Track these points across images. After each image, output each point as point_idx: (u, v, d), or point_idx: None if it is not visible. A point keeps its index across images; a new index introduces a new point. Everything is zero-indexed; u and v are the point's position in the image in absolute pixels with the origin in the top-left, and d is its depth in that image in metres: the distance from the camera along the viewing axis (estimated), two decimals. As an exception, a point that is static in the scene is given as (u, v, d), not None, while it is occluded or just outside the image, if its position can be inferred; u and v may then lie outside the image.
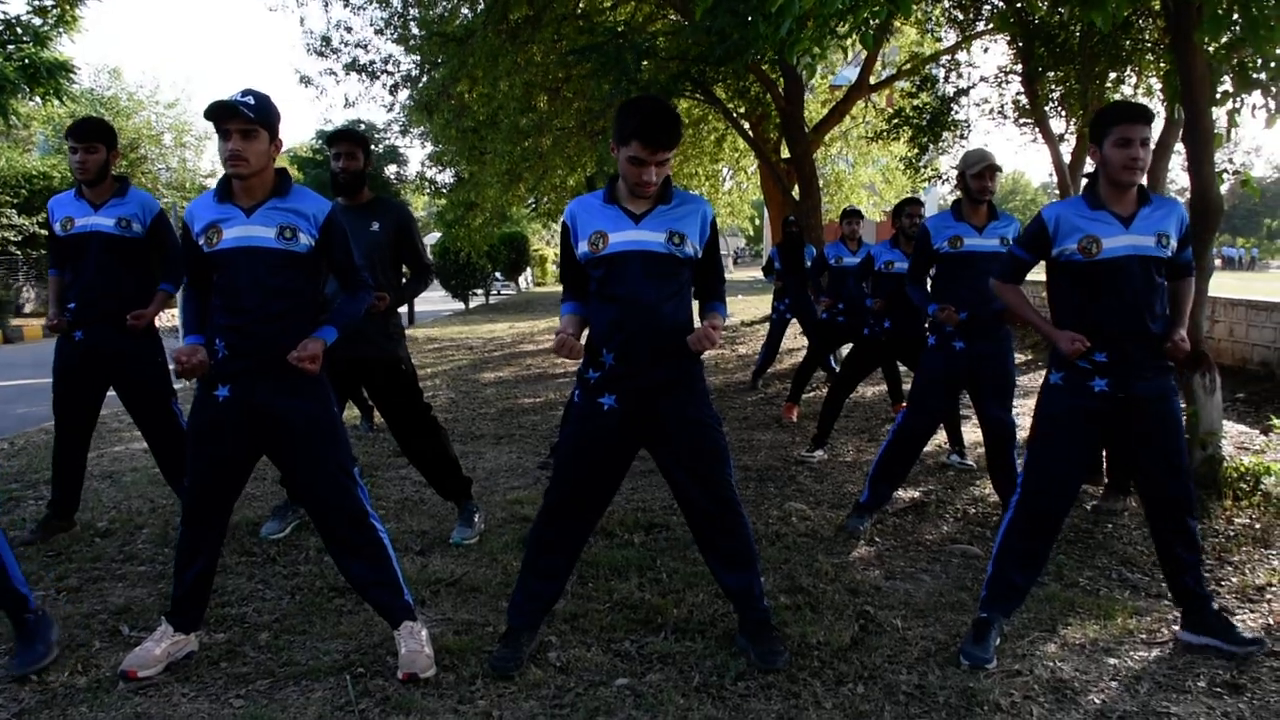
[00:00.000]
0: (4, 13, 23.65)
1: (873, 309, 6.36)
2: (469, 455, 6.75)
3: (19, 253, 27.47)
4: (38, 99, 24.59)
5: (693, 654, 3.32)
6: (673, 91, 8.94)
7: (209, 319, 3.20)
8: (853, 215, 7.93)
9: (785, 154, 13.20)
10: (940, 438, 6.59)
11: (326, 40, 13.39)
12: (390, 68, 13.48)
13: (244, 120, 2.98)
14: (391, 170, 39.74)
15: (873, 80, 13.53)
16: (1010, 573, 3.41)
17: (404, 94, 13.68)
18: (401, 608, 3.30)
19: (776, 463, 6.36)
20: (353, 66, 13.53)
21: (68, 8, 24.63)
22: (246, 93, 3.05)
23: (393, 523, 5.03)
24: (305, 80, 14.36)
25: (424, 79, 13.04)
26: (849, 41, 4.64)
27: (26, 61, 23.21)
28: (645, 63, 8.52)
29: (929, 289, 4.94)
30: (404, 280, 4.83)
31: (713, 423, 3.25)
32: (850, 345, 7.60)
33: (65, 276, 4.63)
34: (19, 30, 23.81)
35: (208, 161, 33.62)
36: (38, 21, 23.95)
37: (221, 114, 2.97)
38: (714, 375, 11.13)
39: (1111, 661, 3.28)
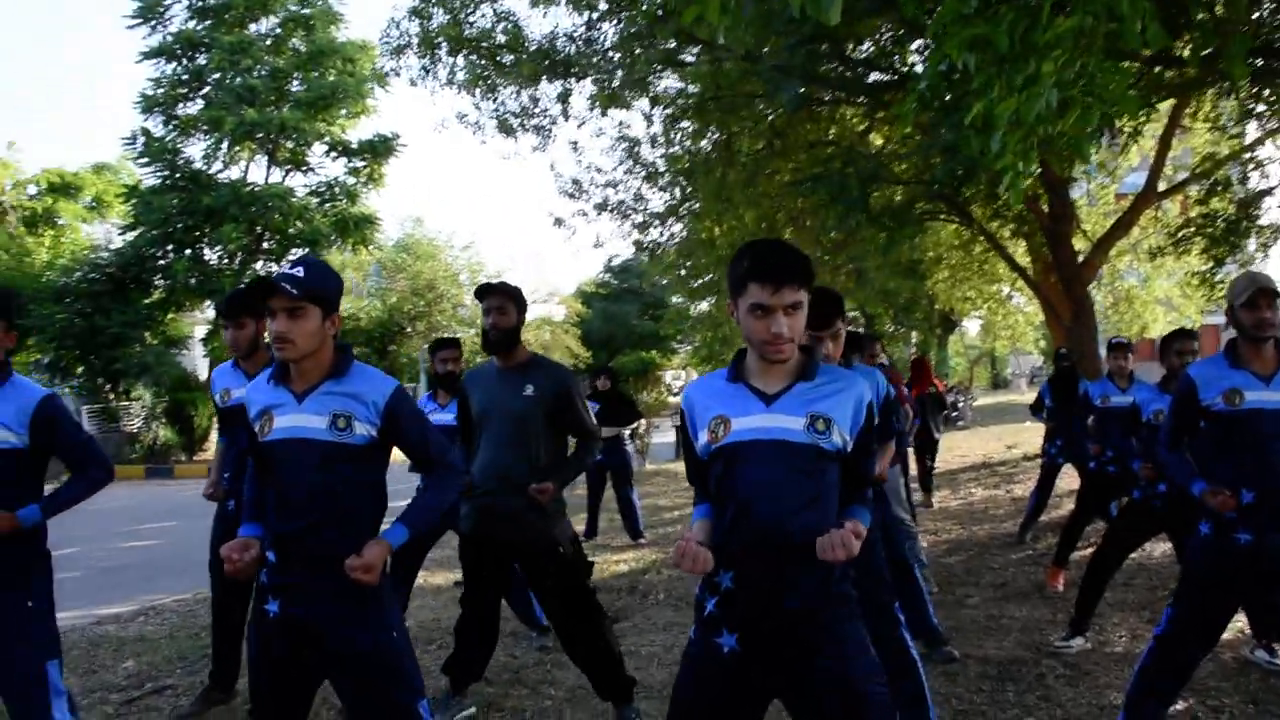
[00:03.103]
0: (324, 174, 26.64)
1: (1141, 472, 5.21)
2: (648, 629, 6.12)
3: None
4: (349, 249, 27.34)
5: None
6: (905, 219, 8.21)
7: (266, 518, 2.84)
8: (1120, 349, 6.76)
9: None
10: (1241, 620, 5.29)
11: (577, 183, 13.73)
12: (638, 205, 13.59)
13: (288, 298, 2.64)
14: (677, 299, 40.82)
15: (1161, 186, 12.09)
16: None
17: (654, 231, 13.73)
18: None
19: (1025, 653, 5.27)
20: (603, 206, 13.75)
21: (376, 167, 27.40)
22: (297, 263, 2.72)
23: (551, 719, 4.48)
24: (558, 221, 14.79)
25: (671, 217, 13.03)
26: (1061, 153, 3.81)
27: (338, 216, 25.89)
28: (878, 188, 7.90)
29: (1191, 457, 3.86)
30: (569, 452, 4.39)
31: (863, 675, 2.43)
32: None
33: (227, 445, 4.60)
34: (335, 190, 26.69)
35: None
36: (351, 181, 26.76)
37: (262, 293, 2.64)
38: (981, 523, 9.92)
39: None
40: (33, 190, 33.83)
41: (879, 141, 11.83)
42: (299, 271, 2.69)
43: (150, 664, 5.73)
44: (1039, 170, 9.11)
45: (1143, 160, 13.87)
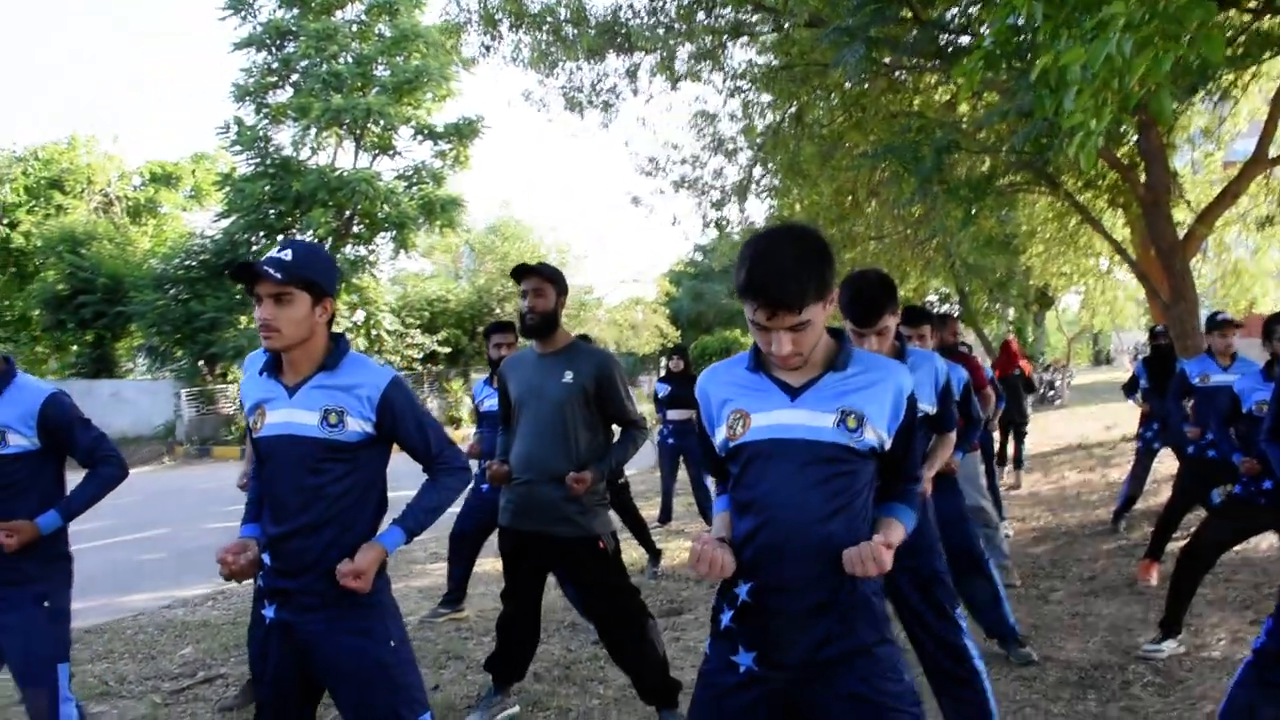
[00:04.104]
0: (411, 158, 26.95)
1: (1243, 467, 4.76)
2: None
3: (422, 369, 30.61)
4: (437, 231, 27.62)
5: None
6: (984, 190, 7.73)
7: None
8: (1223, 325, 6.21)
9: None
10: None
11: (654, 160, 13.47)
12: (715, 181, 13.26)
13: (272, 283, 2.46)
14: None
15: (1273, 151, 11.26)
16: None
17: (729, 208, 13.38)
18: None
19: (1111, 657, 4.88)
20: (681, 183, 13.43)
21: (461, 150, 27.63)
22: (285, 245, 2.53)
23: (596, 720, 4.29)
24: (635, 200, 14.60)
25: (746, 192, 12.67)
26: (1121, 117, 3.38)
27: (425, 199, 26.19)
28: (956, 158, 7.47)
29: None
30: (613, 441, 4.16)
31: (895, 704, 2.16)
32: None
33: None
34: (422, 173, 27.01)
35: (584, 277, 35.92)
36: (437, 164, 27.04)
37: (245, 278, 2.47)
38: (1073, 510, 9.43)
39: None
40: (137, 181, 34.94)
41: (964, 110, 11.29)
42: (285, 254, 2.50)
43: (207, 651, 5.72)
44: (1133, 136, 8.54)
45: (1252, 125, 13.01)
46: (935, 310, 10.26)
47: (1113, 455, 13.22)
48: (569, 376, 3.95)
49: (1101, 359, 55.78)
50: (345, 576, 2.44)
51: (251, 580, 2.66)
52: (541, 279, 4.01)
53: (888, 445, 2.22)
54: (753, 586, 2.21)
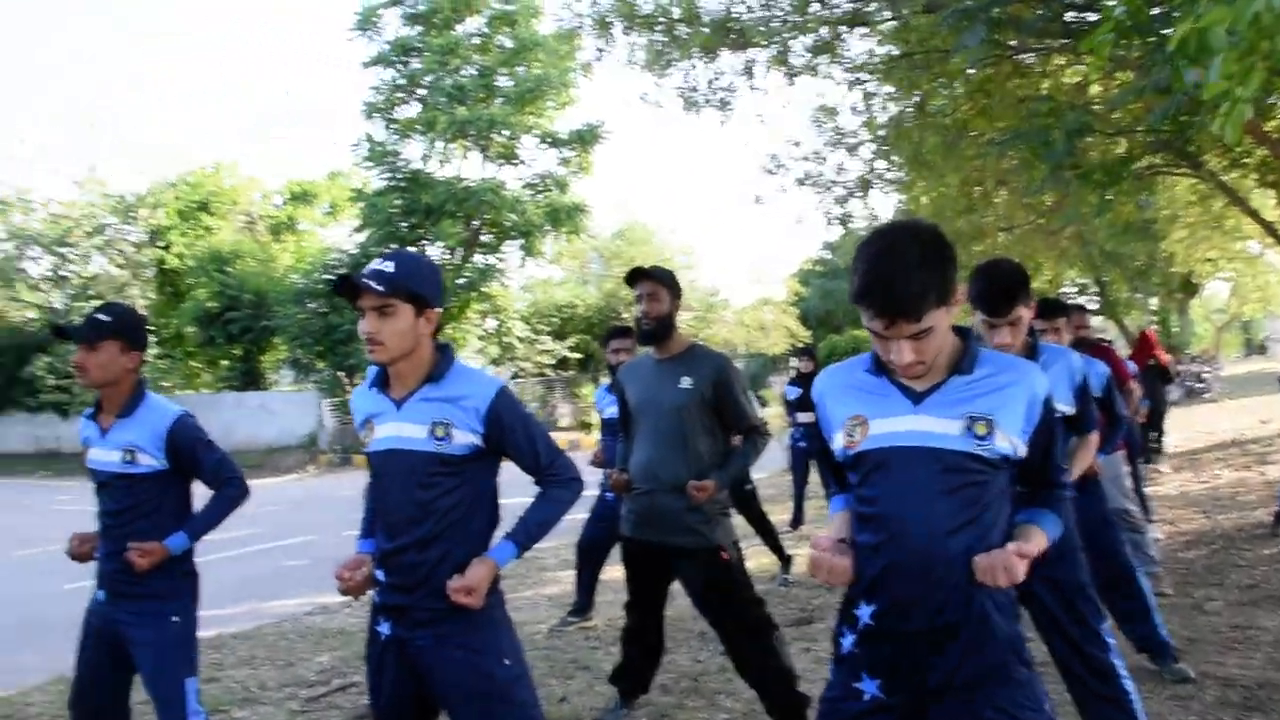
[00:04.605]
0: (535, 167, 27.36)
1: None
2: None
3: (554, 374, 31.08)
4: (564, 237, 27.99)
5: None
6: (1119, 174, 7.32)
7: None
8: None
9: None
10: None
11: (775, 157, 13.28)
12: (839, 177, 12.98)
13: (374, 296, 2.45)
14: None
15: None
16: None
17: (854, 204, 13.08)
18: None
19: (1277, 674, 4.50)
20: (803, 180, 13.21)
21: (585, 156, 27.96)
22: (388, 257, 2.51)
23: (724, 734, 4.20)
24: (758, 199, 14.50)
25: (870, 187, 12.38)
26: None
27: (550, 207, 26.59)
28: (1089, 141, 7.09)
29: None
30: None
31: None
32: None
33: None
34: (548, 181, 27.43)
35: (709, 279, 35.87)
36: (561, 171, 27.42)
37: (347, 291, 2.47)
38: (1228, 511, 8.86)
39: None
40: (278, 200, 36.44)
41: (1096, 91, 10.78)
42: (387, 266, 2.49)
43: (342, 659, 5.85)
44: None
45: None
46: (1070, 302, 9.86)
47: (1270, 451, 12.45)
48: (687, 382, 3.88)
49: (1253, 348, 52.85)
50: (456, 593, 2.42)
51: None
52: (655, 283, 3.95)
53: (1022, 453, 2.08)
54: (876, 609, 2.09)
